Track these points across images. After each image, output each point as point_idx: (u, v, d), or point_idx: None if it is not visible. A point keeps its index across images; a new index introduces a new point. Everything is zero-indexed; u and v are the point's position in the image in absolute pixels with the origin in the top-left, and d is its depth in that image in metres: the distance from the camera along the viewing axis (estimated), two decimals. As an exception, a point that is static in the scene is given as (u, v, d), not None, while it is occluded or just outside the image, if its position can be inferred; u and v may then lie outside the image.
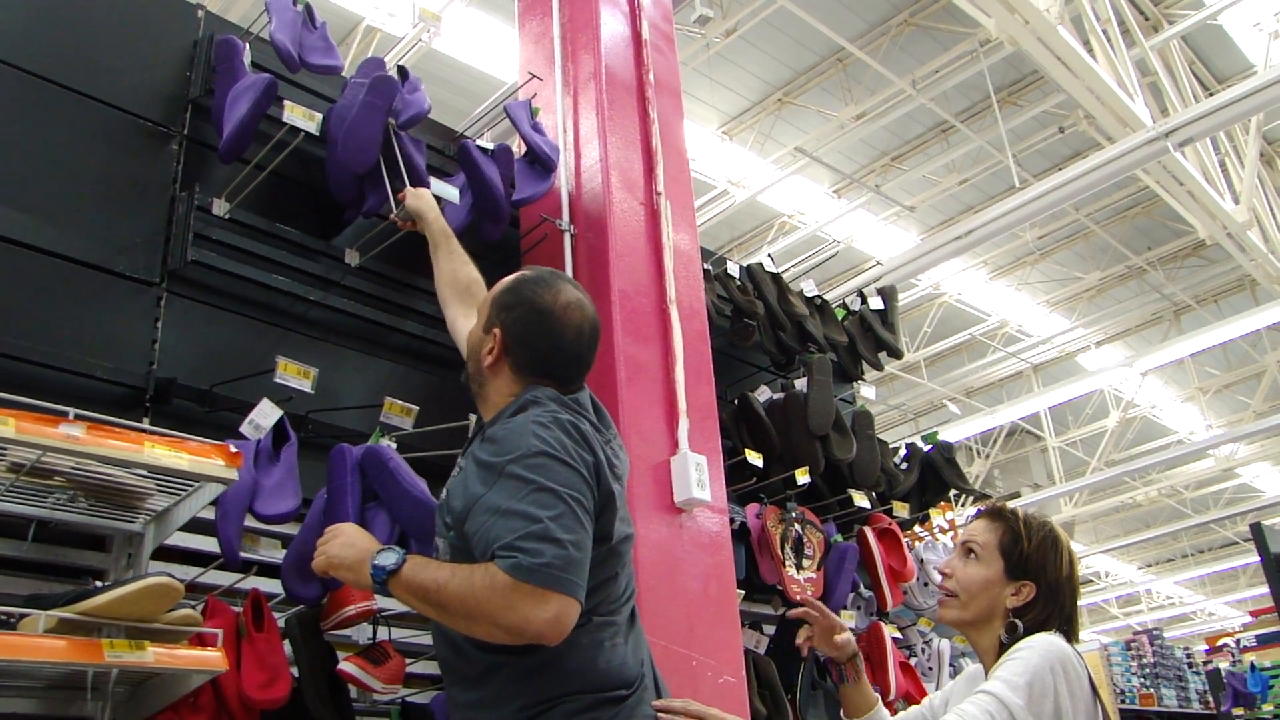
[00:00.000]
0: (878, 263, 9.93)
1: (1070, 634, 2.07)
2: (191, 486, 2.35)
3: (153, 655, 2.08)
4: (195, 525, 2.51)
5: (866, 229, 12.14)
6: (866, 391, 4.80)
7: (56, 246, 2.70)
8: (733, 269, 4.36)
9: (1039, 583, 2.06)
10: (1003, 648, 2.02)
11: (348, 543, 1.91)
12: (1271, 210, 10.58)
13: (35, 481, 2.27)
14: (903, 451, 4.82)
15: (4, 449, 2.16)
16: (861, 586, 4.17)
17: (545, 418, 1.89)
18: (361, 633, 2.85)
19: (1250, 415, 15.12)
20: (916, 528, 4.66)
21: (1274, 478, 18.52)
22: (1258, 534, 9.24)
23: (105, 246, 2.79)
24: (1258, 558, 9.44)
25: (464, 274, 2.70)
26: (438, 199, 3.16)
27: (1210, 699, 11.95)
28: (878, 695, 2.41)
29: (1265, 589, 10.24)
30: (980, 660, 2.14)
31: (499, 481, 1.80)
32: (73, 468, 2.27)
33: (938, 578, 4.20)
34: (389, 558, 1.82)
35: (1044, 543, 2.10)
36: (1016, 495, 15.48)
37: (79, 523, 2.45)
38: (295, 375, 2.62)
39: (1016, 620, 2.04)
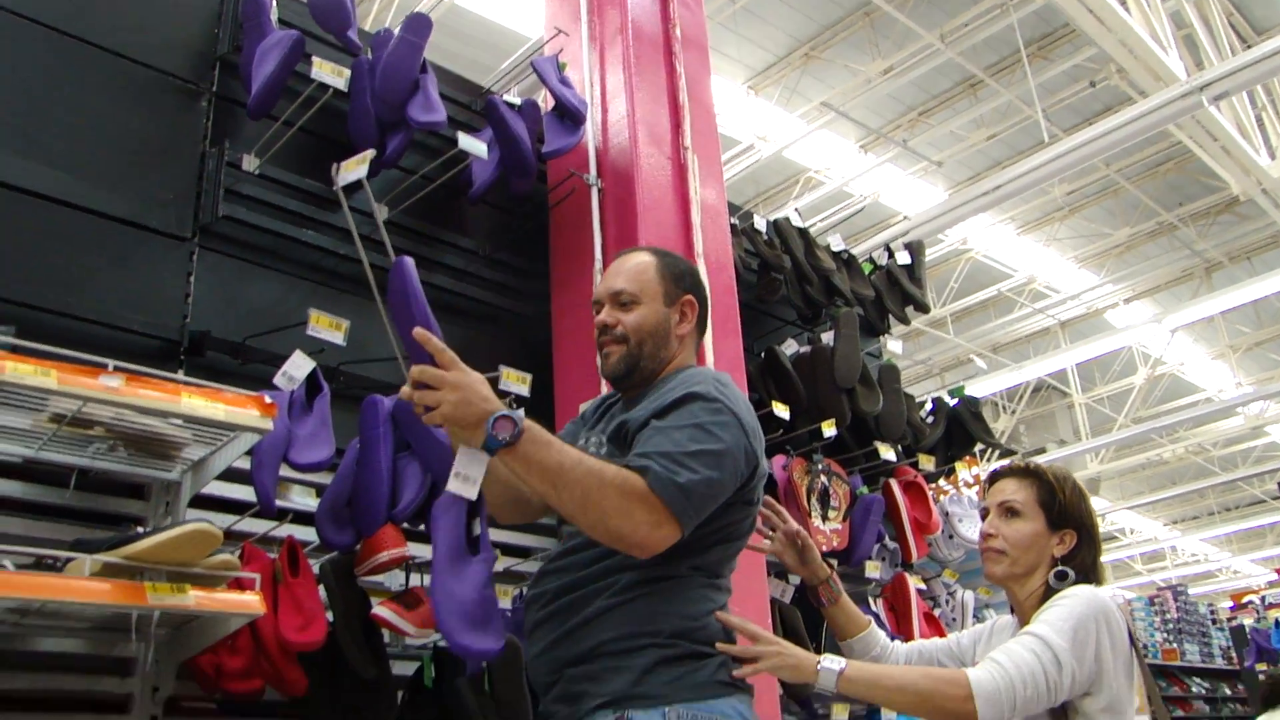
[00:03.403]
0: (905, 218, 9.85)
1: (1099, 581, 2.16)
2: (227, 436, 2.41)
3: (193, 598, 2.14)
4: (231, 474, 2.56)
5: (893, 184, 12.05)
6: (893, 346, 4.80)
7: (91, 203, 2.74)
8: (759, 223, 4.36)
9: (1079, 530, 2.14)
10: (1048, 592, 2.09)
11: (462, 400, 1.73)
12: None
13: (76, 432, 2.32)
14: (929, 405, 4.83)
15: (46, 399, 2.22)
16: (887, 538, 4.20)
17: (727, 379, 2.01)
18: (394, 579, 2.91)
19: (1281, 373, 15.00)
20: (941, 481, 4.68)
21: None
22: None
23: (138, 202, 2.83)
24: (1285, 515, 9.40)
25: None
26: (466, 153, 3.18)
27: (1234, 655, 11.98)
28: (870, 618, 2.42)
29: (1292, 546, 10.18)
30: (1017, 610, 2.19)
31: (674, 412, 1.90)
32: (112, 418, 2.32)
33: (964, 531, 4.25)
34: (505, 430, 1.72)
35: (1075, 491, 2.18)
36: (1042, 451, 15.45)
37: (118, 471, 2.51)
38: (327, 328, 2.66)
39: (1066, 568, 2.11)
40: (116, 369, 2.16)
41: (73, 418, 2.24)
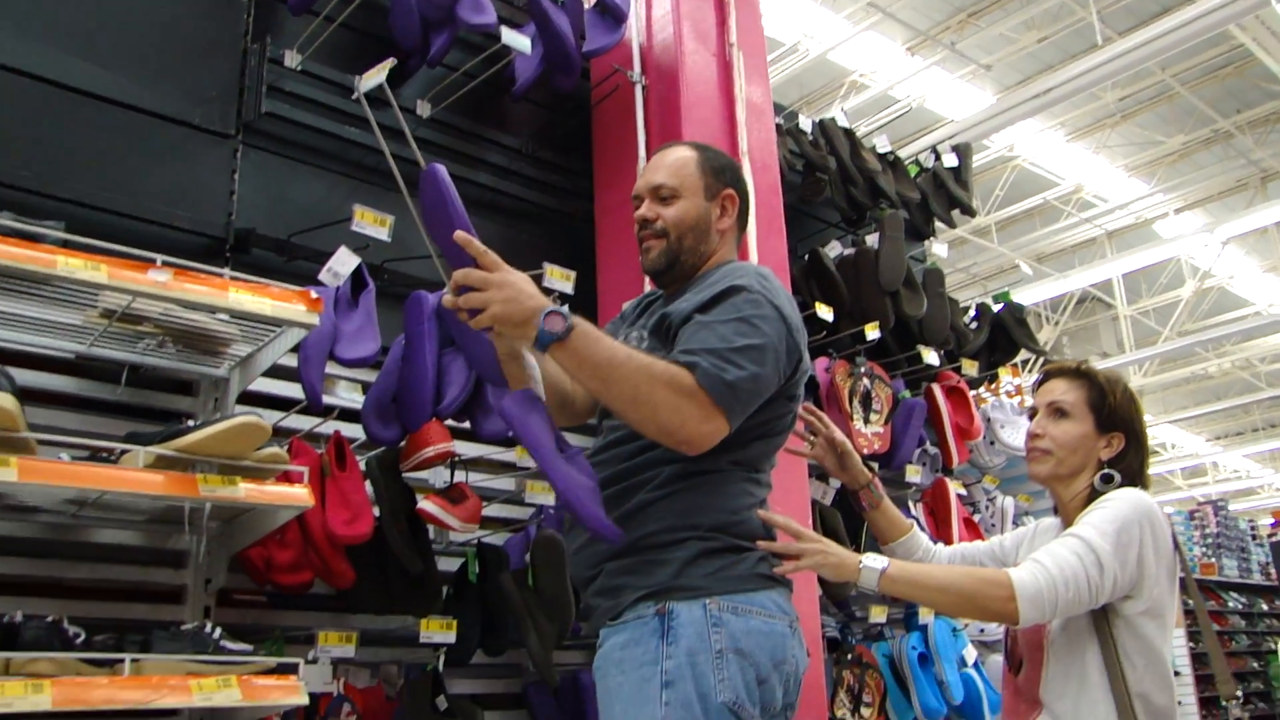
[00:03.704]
0: (952, 123, 9.63)
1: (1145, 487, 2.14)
2: (274, 332, 2.43)
3: (244, 490, 2.18)
4: (278, 371, 2.59)
5: (940, 89, 11.77)
6: (938, 249, 4.73)
7: (134, 100, 2.74)
8: (804, 123, 4.28)
9: (1127, 434, 2.12)
10: (1093, 495, 2.08)
11: (510, 298, 1.73)
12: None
13: (126, 327, 2.35)
14: (972, 311, 4.78)
15: (96, 295, 2.24)
16: (928, 443, 4.20)
17: (768, 273, 2.00)
18: (437, 476, 2.95)
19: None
20: (982, 389, 4.65)
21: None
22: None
23: (182, 100, 2.82)
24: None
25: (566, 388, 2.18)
26: (508, 49, 3.13)
27: (1272, 571, 11.98)
28: (912, 521, 2.40)
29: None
30: (1061, 511, 2.18)
31: (717, 306, 1.88)
32: (161, 313, 2.34)
33: (1006, 437, 4.24)
34: (556, 324, 1.72)
35: (1126, 394, 2.15)
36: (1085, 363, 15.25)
37: (168, 368, 2.55)
38: (372, 223, 2.65)
39: (1113, 471, 2.09)
40: (165, 264, 2.17)
41: (123, 313, 2.27)
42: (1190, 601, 2.29)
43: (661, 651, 1.78)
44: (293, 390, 2.73)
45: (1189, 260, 15.15)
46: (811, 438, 2.38)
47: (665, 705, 1.74)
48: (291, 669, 2.19)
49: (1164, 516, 2.03)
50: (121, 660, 2.03)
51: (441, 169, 1.79)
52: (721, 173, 2.10)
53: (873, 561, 1.96)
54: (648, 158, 3.33)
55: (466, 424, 2.79)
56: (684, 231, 2.04)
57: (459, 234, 1.75)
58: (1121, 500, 2.00)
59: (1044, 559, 1.93)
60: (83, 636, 2.08)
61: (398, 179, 1.96)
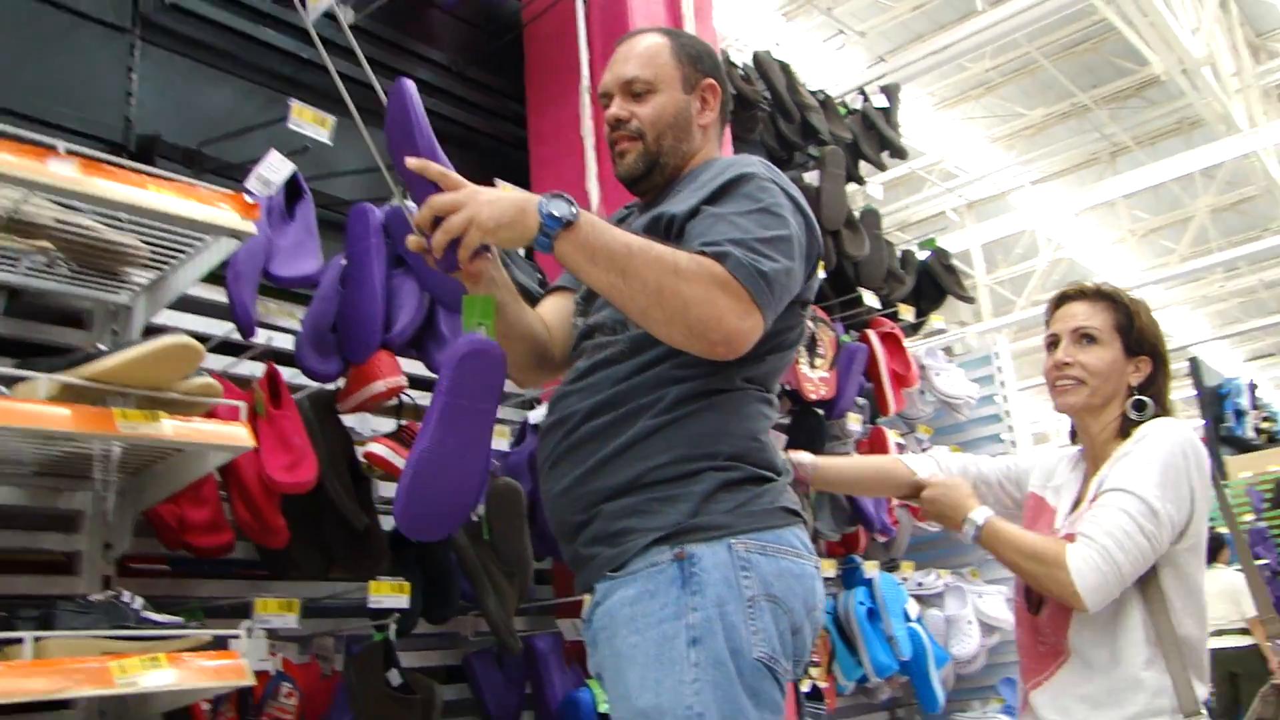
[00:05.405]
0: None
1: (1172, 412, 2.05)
2: (195, 246, 2.05)
3: (170, 428, 1.83)
4: (188, 304, 2.23)
5: (812, 55, 11.73)
6: (873, 190, 4.55)
7: (9, -20, 2.33)
8: (735, 58, 4.07)
9: (1154, 356, 2.03)
10: (1125, 423, 1.98)
11: (491, 200, 1.52)
12: (1234, 46, 10.46)
13: (8, 240, 1.95)
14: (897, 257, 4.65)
15: (-25, 195, 1.85)
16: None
17: (770, 164, 1.77)
18: (365, 425, 2.62)
19: (1175, 259, 15.35)
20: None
21: (1193, 321, 18.95)
22: (1195, 370, 9.50)
23: (66, -17, 2.41)
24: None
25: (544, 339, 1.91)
26: None
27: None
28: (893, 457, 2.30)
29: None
30: (1085, 441, 2.06)
31: (728, 197, 1.65)
32: (55, 221, 1.95)
33: (940, 385, 4.13)
34: (561, 205, 1.50)
35: (1149, 315, 2.06)
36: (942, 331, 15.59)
37: (57, 292, 2.15)
38: (311, 122, 2.29)
39: (1144, 398, 1.98)
40: (70, 152, 1.78)
41: (9, 220, 1.88)
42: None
43: (684, 603, 1.52)
44: (205, 325, 2.36)
45: (1043, 234, 15.64)
46: None
47: (694, 666, 1.49)
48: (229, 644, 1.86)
49: (1201, 443, 1.91)
50: (19, 640, 1.66)
51: (410, 87, 1.57)
52: (699, 60, 1.84)
53: (977, 516, 1.97)
54: (591, 81, 3.06)
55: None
56: (662, 130, 1.78)
57: (411, 161, 1.52)
58: (1159, 435, 1.89)
59: (1094, 533, 1.81)
60: (-38, 615, 1.70)
61: (351, 107, 1.66)
